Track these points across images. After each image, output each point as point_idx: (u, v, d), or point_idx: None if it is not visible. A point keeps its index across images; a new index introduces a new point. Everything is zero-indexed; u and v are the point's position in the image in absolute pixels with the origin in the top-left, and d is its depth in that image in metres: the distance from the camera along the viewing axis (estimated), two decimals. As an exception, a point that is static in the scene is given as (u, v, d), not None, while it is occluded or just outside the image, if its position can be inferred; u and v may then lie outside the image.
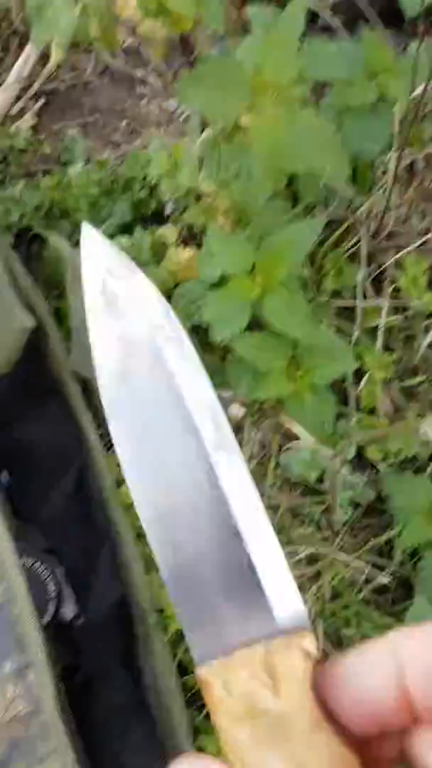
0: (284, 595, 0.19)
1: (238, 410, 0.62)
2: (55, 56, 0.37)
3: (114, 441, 0.20)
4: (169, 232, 0.59)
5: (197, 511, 0.19)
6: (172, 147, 0.56)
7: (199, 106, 0.44)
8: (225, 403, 0.62)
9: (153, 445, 0.20)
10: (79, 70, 0.70)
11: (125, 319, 0.21)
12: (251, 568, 0.19)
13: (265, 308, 0.53)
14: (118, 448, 0.20)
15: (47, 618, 0.49)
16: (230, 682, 0.18)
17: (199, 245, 0.58)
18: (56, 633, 0.49)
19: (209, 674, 0.18)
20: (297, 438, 0.57)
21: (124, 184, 0.62)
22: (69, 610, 0.51)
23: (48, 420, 0.57)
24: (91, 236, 0.22)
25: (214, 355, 0.62)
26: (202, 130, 0.51)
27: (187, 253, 0.58)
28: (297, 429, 0.53)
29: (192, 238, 0.61)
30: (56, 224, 0.62)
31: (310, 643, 0.18)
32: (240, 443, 0.62)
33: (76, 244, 0.63)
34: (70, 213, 0.62)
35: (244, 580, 0.19)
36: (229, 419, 0.63)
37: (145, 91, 0.71)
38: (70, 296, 0.55)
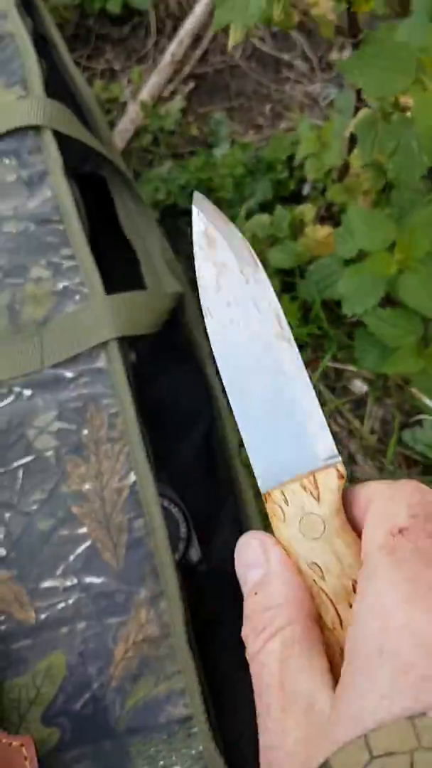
0: (323, 440, 0.27)
1: (361, 386, 0.64)
2: (234, 38, 0.41)
3: (208, 329, 0.29)
4: (307, 210, 0.61)
5: (266, 383, 0.28)
6: (322, 127, 0.58)
7: (363, 84, 0.46)
8: (348, 378, 0.64)
9: (235, 333, 0.29)
10: (227, 54, 0.74)
11: (219, 251, 0.29)
12: (302, 423, 0.27)
13: (401, 286, 0.55)
14: (211, 334, 0.29)
15: (177, 556, 0.54)
16: (287, 493, 0.26)
17: (336, 224, 0.60)
18: (183, 573, 0.53)
19: (273, 492, 0.26)
20: (420, 413, 0.58)
21: (267, 165, 0.65)
22: (195, 554, 0.55)
23: (183, 379, 0.62)
24: (201, 200, 0.31)
25: (341, 329, 0.64)
26: (355, 113, 0.53)
27: (324, 231, 0.60)
28: (426, 401, 0.54)
29: (329, 217, 0.63)
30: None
31: (341, 467, 0.26)
32: (361, 418, 0.64)
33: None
34: (215, 191, 0.66)
35: (297, 430, 0.27)
36: (352, 393, 0.65)
37: (290, 74, 0.73)
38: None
